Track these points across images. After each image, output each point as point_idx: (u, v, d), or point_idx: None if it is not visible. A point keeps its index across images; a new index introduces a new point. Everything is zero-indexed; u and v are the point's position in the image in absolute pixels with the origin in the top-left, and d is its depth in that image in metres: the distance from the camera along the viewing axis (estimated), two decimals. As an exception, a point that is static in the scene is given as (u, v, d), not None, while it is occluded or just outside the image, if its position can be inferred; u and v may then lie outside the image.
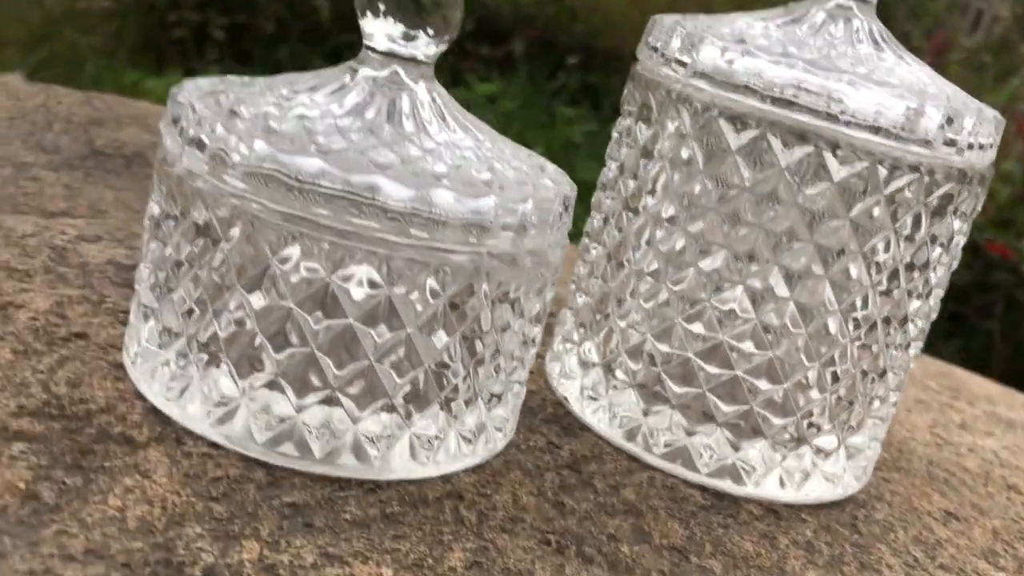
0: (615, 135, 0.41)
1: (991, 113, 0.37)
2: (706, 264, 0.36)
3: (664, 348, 0.37)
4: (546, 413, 0.40)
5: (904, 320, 0.37)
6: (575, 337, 0.41)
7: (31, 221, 0.47)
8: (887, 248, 0.36)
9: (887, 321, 0.37)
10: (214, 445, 0.31)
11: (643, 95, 0.39)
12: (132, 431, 0.31)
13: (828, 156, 0.34)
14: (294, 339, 0.30)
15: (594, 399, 0.40)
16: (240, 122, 0.30)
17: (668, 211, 0.37)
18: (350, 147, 0.30)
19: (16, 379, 0.32)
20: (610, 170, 0.41)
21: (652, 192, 0.38)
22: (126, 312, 0.39)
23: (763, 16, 0.39)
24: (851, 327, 0.36)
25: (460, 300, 0.31)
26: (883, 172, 0.34)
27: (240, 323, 0.30)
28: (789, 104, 0.34)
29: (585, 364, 0.40)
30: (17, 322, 0.36)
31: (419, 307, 0.30)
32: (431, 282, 0.30)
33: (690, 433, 0.38)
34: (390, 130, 0.31)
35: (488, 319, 0.32)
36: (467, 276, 0.31)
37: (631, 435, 0.38)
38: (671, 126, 0.37)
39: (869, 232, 0.35)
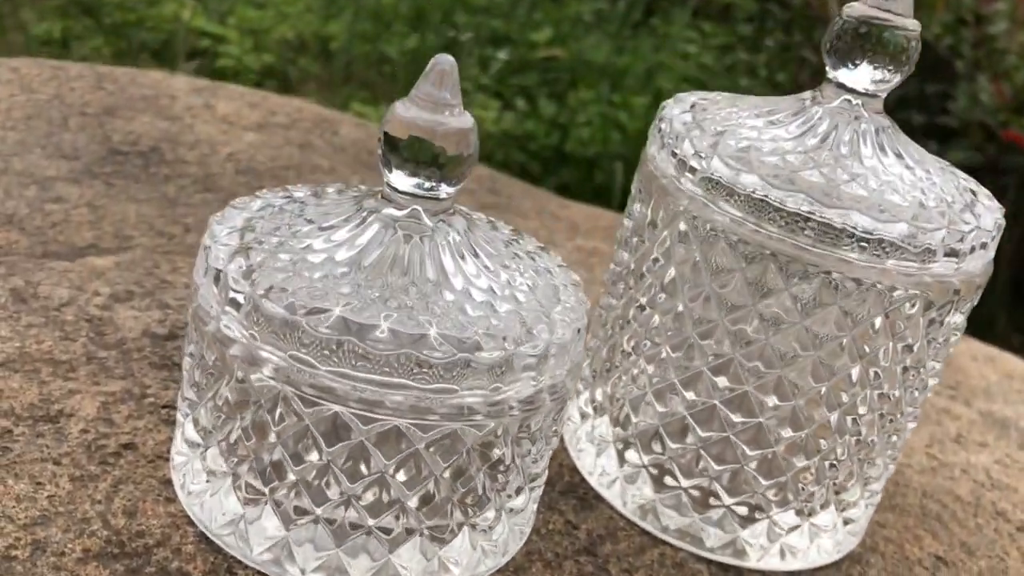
0: (625, 218, 0.42)
1: (992, 215, 0.38)
2: (716, 376, 0.38)
3: (672, 444, 0.40)
4: (563, 483, 0.43)
5: (899, 412, 0.39)
6: (589, 409, 0.44)
7: (64, 277, 0.49)
8: (886, 356, 0.37)
9: (882, 416, 0.39)
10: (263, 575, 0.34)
11: (650, 188, 0.40)
12: (188, 566, 0.34)
13: (833, 281, 0.36)
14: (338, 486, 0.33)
15: (608, 475, 0.42)
16: None
17: (677, 308, 0.39)
18: None
19: (77, 514, 0.35)
20: (620, 257, 0.42)
21: (662, 290, 0.40)
22: (168, 407, 0.41)
23: (773, 112, 0.40)
24: (849, 423, 0.39)
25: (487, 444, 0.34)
26: (886, 294, 0.36)
27: (286, 468, 0.33)
28: (794, 233, 0.36)
29: (600, 443, 0.43)
30: (70, 438, 0.38)
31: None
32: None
33: (698, 514, 0.40)
34: None
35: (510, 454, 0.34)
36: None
37: (643, 513, 0.41)
38: (674, 233, 0.38)
39: (870, 345, 0.37)
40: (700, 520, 0.40)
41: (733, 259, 0.37)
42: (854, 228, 0.35)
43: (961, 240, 0.36)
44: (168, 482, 0.37)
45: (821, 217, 0.35)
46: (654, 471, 0.41)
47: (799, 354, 0.37)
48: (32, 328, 0.45)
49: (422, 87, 0.33)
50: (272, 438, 0.33)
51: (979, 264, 0.38)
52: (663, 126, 0.41)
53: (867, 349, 0.37)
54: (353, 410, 0.31)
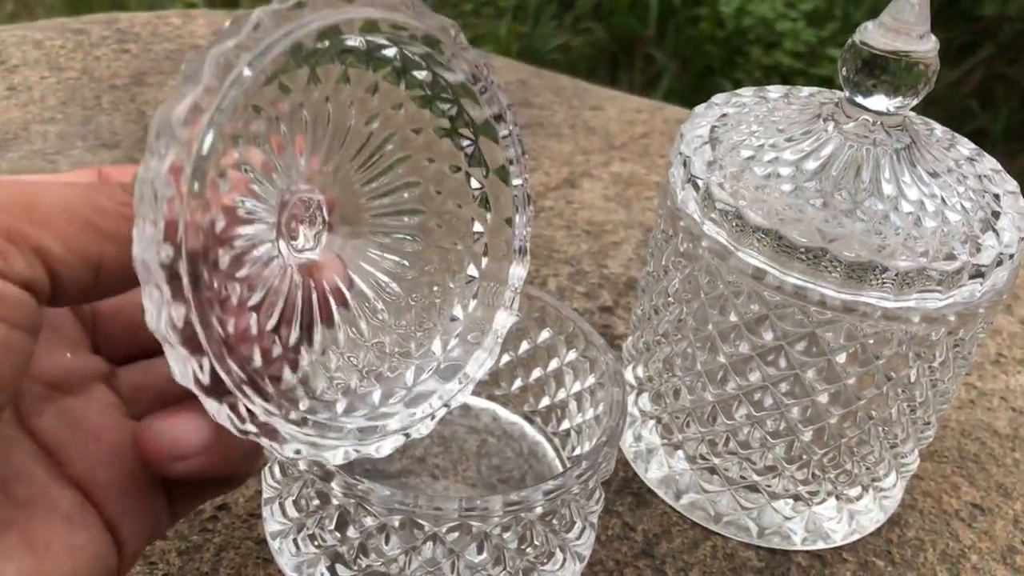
0: (652, 235, 0.44)
1: (1016, 225, 0.38)
2: (741, 381, 0.41)
3: (714, 443, 0.43)
4: (618, 480, 0.47)
5: (931, 409, 0.42)
6: (636, 411, 0.47)
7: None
8: (914, 376, 0.39)
9: (912, 412, 0.41)
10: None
11: (670, 210, 0.41)
12: (293, 629, 0.39)
13: (857, 323, 0.37)
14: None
15: (659, 471, 0.46)
16: None
17: (698, 342, 0.41)
18: None
19: (190, 590, 0.40)
20: (645, 279, 0.44)
21: (679, 324, 0.41)
22: (250, 456, 0.45)
23: (791, 136, 0.40)
24: (881, 432, 0.41)
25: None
26: (912, 325, 0.37)
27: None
28: (816, 273, 0.37)
29: (648, 440, 0.46)
30: (170, 507, 0.43)
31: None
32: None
33: (744, 508, 0.44)
34: None
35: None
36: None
37: (693, 508, 0.45)
38: (683, 272, 0.40)
39: (897, 371, 0.39)
40: (744, 511, 0.44)
41: (759, 304, 0.38)
42: (877, 265, 0.36)
43: (984, 260, 0.37)
44: (262, 541, 0.42)
45: (844, 256, 0.36)
46: (702, 462, 0.44)
47: (824, 387, 0.39)
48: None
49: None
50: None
51: (1004, 276, 0.38)
52: (683, 150, 0.41)
53: (894, 375, 0.39)
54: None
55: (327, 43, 0.28)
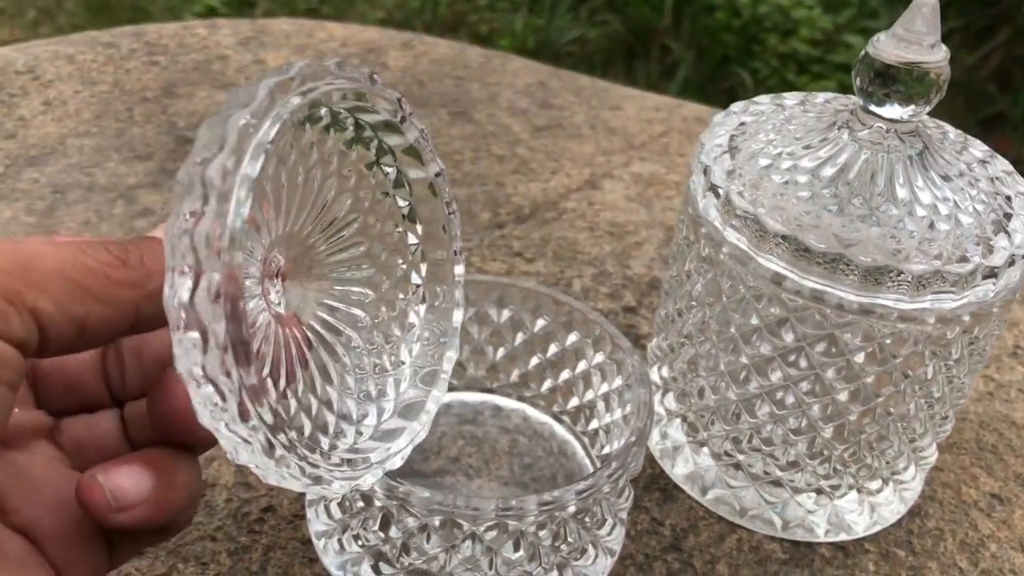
0: (674, 240, 0.45)
1: (1027, 227, 0.40)
2: (763, 381, 0.42)
3: (738, 440, 0.44)
4: (646, 476, 0.48)
5: (948, 404, 0.43)
6: (662, 409, 0.48)
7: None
8: (931, 372, 0.41)
9: (930, 407, 0.43)
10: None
11: (692, 217, 0.42)
12: (339, 625, 0.41)
13: (874, 324, 0.39)
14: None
15: (685, 467, 0.47)
16: None
17: (720, 344, 0.43)
18: None
19: (241, 588, 0.42)
20: (670, 275, 0.45)
21: (703, 327, 0.43)
22: (292, 459, 0.47)
23: (809, 144, 0.41)
24: (900, 428, 0.42)
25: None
26: (927, 326, 0.39)
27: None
28: (833, 278, 0.38)
29: (674, 438, 0.48)
30: (219, 509, 0.45)
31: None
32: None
33: (768, 502, 0.46)
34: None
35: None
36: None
37: (719, 503, 0.47)
38: (705, 276, 0.41)
39: (914, 370, 0.40)
40: (768, 505, 0.46)
41: (779, 308, 0.40)
42: (892, 269, 0.38)
43: (997, 261, 0.39)
44: (307, 541, 0.44)
45: (861, 261, 0.38)
46: (727, 458, 0.46)
47: (843, 386, 0.40)
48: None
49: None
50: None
51: (1017, 275, 0.40)
52: (703, 159, 0.42)
53: (911, 373, 0.40)
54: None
55: (309, 112, 0.30)
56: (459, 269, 0.39)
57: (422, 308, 0.39)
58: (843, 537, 0.46)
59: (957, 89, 2.01)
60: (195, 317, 0.26)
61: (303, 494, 0.45)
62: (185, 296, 0.26)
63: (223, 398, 0.27)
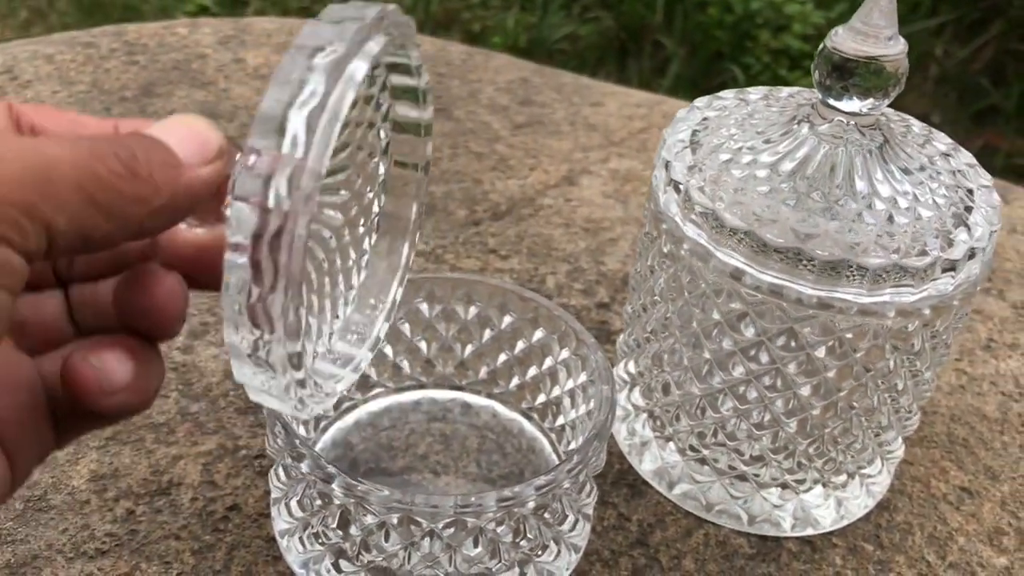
0: (639, 235, 0.45)
1: (987, 219, 0.40)
2: (725, 376, 0.42)
3: (703, 435, 0.44)
4: (614, 472, 0.48)
5: (913, 397, 0.43)
6: (629, 405, 0.48)
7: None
8: (893, 366, 0.41)
9: (894, 401, 0.43)
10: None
11: (654, 213, 0.42)
12: (302, 623, 0.41)
13: (833, 318, 0.39)
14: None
15: (653, 463, 0.47)
16: None
17: (683, 339, 0.43)
18: None
19: (204, 587, 0.42)
20: (636, 269, 0.45)
21: (666, 322, 0.43)
22: (259, 457, 0.47)
23: (769, 139, 0.41)
24: (864, 421, 0.42)
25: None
26: (887, 319, 0.39)
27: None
28: (793, 272, 0.38)
29: (642, 434, 0.48)
30: (183, 508, 0.45)
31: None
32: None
33: (734, 497, 0.45)
34: None
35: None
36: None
37: (685, 498, 0.47)
38: (667, 272, 0.41)
39: (874, 364, 0.40)
40: (734, 499, 0.45)
41: (739, 302, 0.40)
42: (850, 262, 0.38)
43: (957, 255, 0.38)
44: (272, 539, 0.44)
45: (818, 255, 0.38)
46: (692, 453, 0.46)
47: (804, 380, 0.40)
48: (129, 389, 0.50)
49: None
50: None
51: (976, 268, 0.40)
52: (665, 154, 0.42)
53: (872, 367, 0.40)
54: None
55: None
56: (415, 207, 0.39)
57: (375, 237, 0.39)
58: (810, 531, 0.46)
59: (950, 83, 2.01)
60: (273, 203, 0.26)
61: (268, 492, 0.45)
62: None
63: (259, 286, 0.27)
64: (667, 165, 0.42)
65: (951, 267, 0.38)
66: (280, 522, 0.42)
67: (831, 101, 0.40)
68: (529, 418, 0.49)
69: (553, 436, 0.48)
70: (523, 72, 0.89)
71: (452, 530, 0.38)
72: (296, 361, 0.29)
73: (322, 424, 0.48)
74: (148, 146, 0.28)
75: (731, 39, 2.10)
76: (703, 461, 0.45)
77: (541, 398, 0.48)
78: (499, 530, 0.38)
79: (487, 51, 0.93)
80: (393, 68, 0.35)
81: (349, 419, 0.49)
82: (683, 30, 2.13)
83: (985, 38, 2.09)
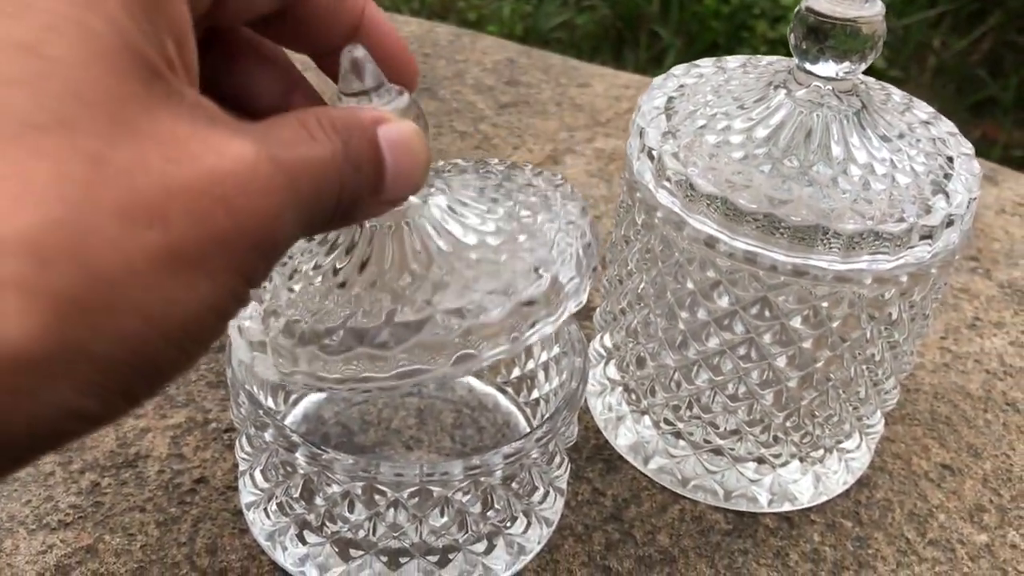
0: (616, 203, 0.44)
1: (966, 187, 0.39)
2: (700, 347, 0.41)
3: (678, 408, 0.44)
4: (590, 447, 0.48)
5: (890, 370, 0.42)
6: (605, 379, 0.47)
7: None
8: (869, 335, 0.40)
9: (872, 374, 0.42)
10: (331, 593, 0.40)
11: (628, 182, 0.42)
12: (267, 596, 0.40)
13: (807, 285, 0.38)
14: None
15: (628, 437, 0.47)
16: None
17: (657, 309, 0.42)
18: None
19: (168, 559, 0.41)
20: (614, 242, 0.45)
21: (640, 293, 0.42)
22: (229, 431, 0.47)
23: (744, 104, 0.40)
24: (841, 394, 0.42)
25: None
26: (863, 286, 0.38)
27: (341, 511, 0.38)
28: (767, 239, 0.37)
29: (618, 408, 0.47)
30: (150, 481, 0.44)
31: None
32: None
33: (710, 471, 0.45)
34: None
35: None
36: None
37: (661, 472, 0.46)
38: (641, 242, 0.40)
39: (850, 334, 0.39)
40: (710, 474, 0.45)
41: (712, 271, 0.39)
42: (825, 228, 0.37)
43: (934, 222, 0.38)
44: (239, 512, 0.43)
45: (791, 221, 0.37)
46: (667, 427, 0.45)
47: (780, 351, 0.40)
48: (99, 363, 0.49)
49: None
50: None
51: (955, 236, 0.39)
52: (639, 121, 0.42)
53: (849, 337, 0.39)
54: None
55: None
56: None
57: None
58: (787, 507, 0.45)
59: (948, 74, 2.00)
60: None
61: (236, 466, 0.44)
62: None
63: None
64: (641, 132, 0.41)
65: (928, 234, 0.38)
66: (246, 494, 0.41)
67: (807, 65, 0.39)
68: (504, 392, 0.49)
69: (528, 410, 0.47)
70: (509, 53, 0.88)
71: (418, 499, 0.37)
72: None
73: (292, 397, 0.47)
74: (397, 175, 0.26)
75: (727, 29, 2.09)
76: (678, 435, 0.45)
77: (516, 372, 0.47)
78: (466, 500, 0.38)
79: (474, 32, 0.93)
80: None
81: (321, 392, 0.48)
82: (679, 20, 2.12)
83: (983, 29, 2.08)
